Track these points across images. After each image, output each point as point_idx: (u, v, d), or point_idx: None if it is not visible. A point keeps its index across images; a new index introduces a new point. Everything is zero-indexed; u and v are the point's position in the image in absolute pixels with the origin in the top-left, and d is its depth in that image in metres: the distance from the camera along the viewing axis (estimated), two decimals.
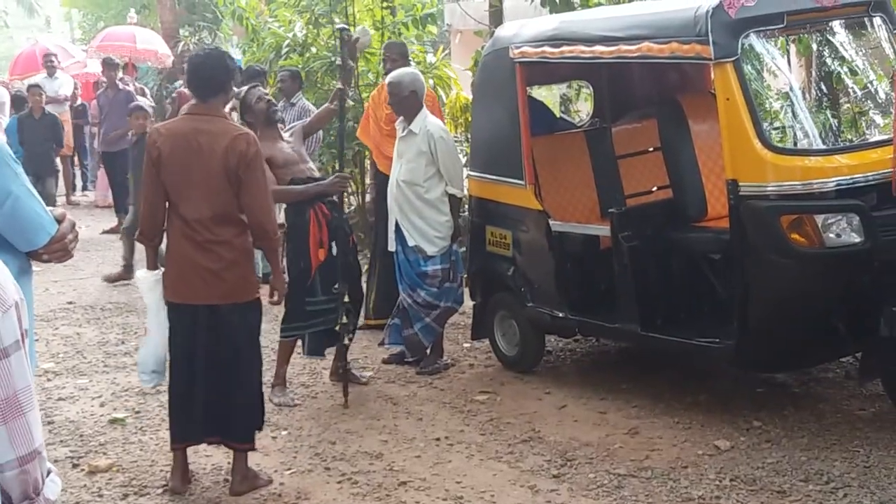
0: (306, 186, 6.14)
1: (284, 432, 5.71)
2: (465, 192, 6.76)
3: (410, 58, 8.36)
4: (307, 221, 6.09)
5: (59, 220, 3.18)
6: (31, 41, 20.08)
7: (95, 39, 17.45)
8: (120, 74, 13.77)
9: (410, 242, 6.52)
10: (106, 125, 12.57)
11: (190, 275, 4.84)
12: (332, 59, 10.62)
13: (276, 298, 5.31)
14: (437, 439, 5.49)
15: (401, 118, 6.62)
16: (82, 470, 5.31)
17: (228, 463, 5.27)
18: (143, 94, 13.36)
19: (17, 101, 14.10)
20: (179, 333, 4.94)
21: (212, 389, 4.92)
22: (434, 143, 6.42)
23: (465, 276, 6.77)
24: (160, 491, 5.03)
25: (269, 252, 5.14)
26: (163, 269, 4.99)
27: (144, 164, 4.99)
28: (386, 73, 7.41)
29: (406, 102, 6.51)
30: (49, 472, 1.93)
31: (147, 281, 5.02)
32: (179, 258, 4.89)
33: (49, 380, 6.74)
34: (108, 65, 13.32)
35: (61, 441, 5.69)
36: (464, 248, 7.10)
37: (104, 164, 13.17)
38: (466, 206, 7.32)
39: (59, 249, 3.18)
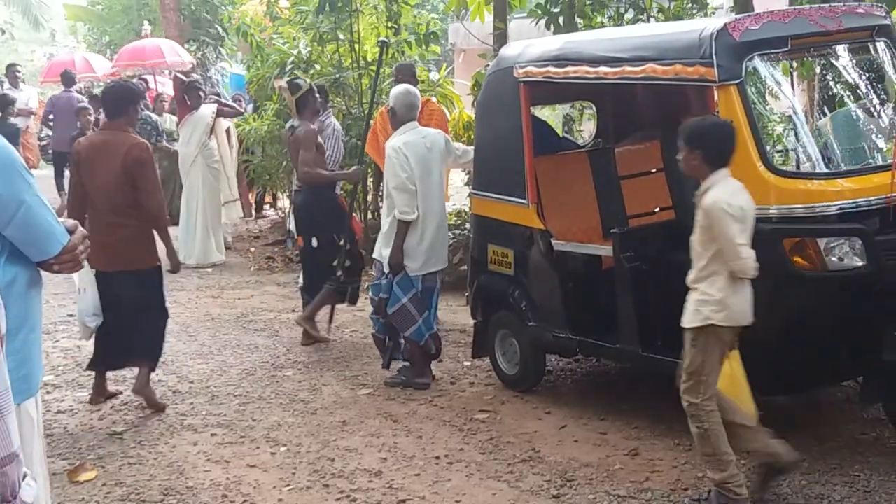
0: (334, 173, 8.06)
1: (283, 448, 5.70)
2: (407, 217, 6.50)
3: (417, 76, 8.47)
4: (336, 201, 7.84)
5: (71, 231, 3.19)
6: (68, 51, 21.01)
7: (121, 59, 17.68)
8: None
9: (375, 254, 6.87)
10: (57, 126, 14.37)
11: (98, 250, 5.67)
12: (337, 75, 10.68)
13: (171, 270, 6.71)
14: (437, 457, 5.48)
15: None
16: (76, 482, 5.30)
17: (227, 479, 5.27)
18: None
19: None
20: (102, 293, 6.31)
21: (123, 330, 6.35)
22: (386, 158, 6.61)
23: (390, 313, 6.66)
24: None
25: (160, 231, 6.47)
26: None
27: (70, 166, 6.57)
28: None
29: (389, 115, 6.88)
30: (25, 476, 1.93)
31: None
32: (92, 238, 5.52)
33: (48, 392, 6.73)
34: (65, 76, 15.61)
35: (59, 454, 5.67)
36: (464, 266, 7.12)
37: (55, 163, 14.99)
38: (468, 224, 7.32)
39: (70, 260, 3.19)
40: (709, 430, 4.58)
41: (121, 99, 6.42)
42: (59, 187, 15.12)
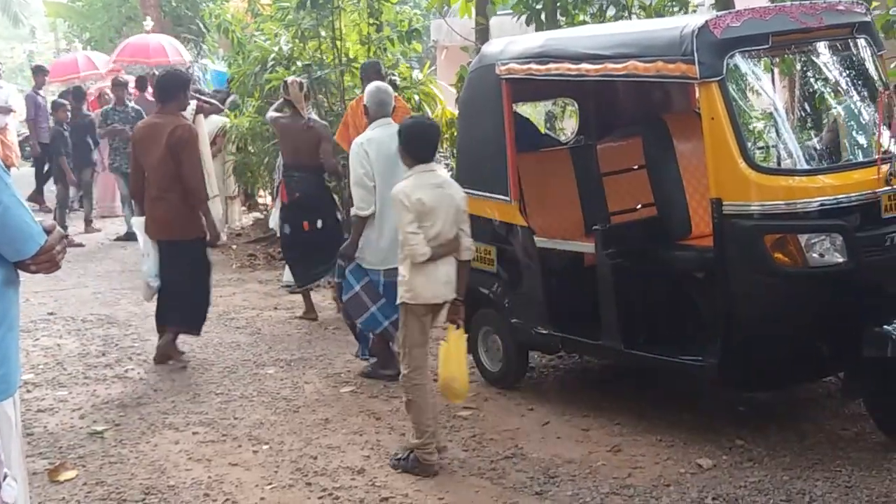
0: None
1: (266, 447, 5.68)
2: (361, 213, 6.52)
3: (384, 73, 8.58)
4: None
5: (49, 231, 3.17)
6: (73, 51, 21.58)
7: (124, 52, 17.70)
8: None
9: None
10: (42, 123, 15.10)
11: (151, 219, 7.20)
12: (319, 73, 10.65)
13: (210, 241, 7.34)
14: None
15: None
16: (56, 482, 5.26)
17: (209, 477, 5.25)
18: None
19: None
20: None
21: (174, 294, 7.20)
22: (350, 154, 6.72)
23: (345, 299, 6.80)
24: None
25: (198, 205, 7.14)
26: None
27: (131, 147, 7.73)
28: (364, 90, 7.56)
29: (364, 112, 6.94)
30: (6, 476, 1.92)
31: (138, 222, 7.47)
32: (147, 208, 7.23)
33: (28, 391, 6.69)
34: (38, 70, 16.24)
35: (40, 453, 5.64)
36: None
37: (39, 155, 15.56)
38: None
39: (47, 260, 3.17)
40: (412, 401, 5.22)
41: (173, 85, 7.23)
42: (40, 185, 15.32)
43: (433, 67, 12.75)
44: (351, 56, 10.99)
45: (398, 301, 5.31)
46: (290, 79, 8.74)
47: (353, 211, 6.60)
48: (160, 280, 7.23)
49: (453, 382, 5.29)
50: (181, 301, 7.23)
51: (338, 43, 10.85)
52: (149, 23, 18.72)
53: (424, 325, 5.25)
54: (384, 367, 6.78)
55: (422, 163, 5.22)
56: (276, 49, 11.34)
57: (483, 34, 9.55)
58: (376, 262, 6.58)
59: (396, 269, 6.59)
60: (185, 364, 7.32)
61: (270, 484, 5.17)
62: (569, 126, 11.05)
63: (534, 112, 11.46)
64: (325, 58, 11.08)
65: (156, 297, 7.39)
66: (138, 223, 7.46)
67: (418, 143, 5.25)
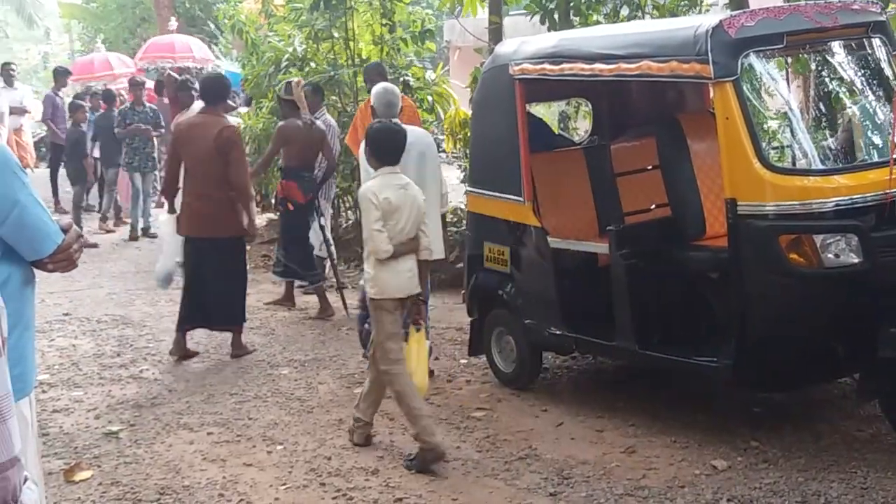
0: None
1: (280, 447, 5.69)
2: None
3: (387, 75, 8.64)
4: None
5: (65, 230, 3.19)
6: (95, 52, 21.88)
7: (149, 51, 17.87)
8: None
9: None
10: (60, 124, 15.15)
11: (191, 217, 7.36)
12: (332, 73, 10.67)
13: (248, 238, 7.62)
14: None
15: None
16: (72, 482, 5.28)
17: (223, 478, 5.27)
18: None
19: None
20: (190, 256, 7.40)
21: (214, 292, 7.37)
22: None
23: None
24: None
25: (244, 202, 7.34)
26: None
27: (169, 144, 8.14)
28: (369, 91, 7.61)
29: (371, 114, 6.90)
30: (26, 480, 1.91)
31: (164, 219, 7.81)
32: (187, 205, 7.41)
33: (44, 391, 6.71)
34: (60, 72, 16.27)
35: (55, 453, 5.66)
36: (460, 264, 7.14)
37: (54, 157, 15.75)
38: (465, 222, 7.33)
39: (64, 259, 3.19)
40: (398, 391, 5.35)
41: (219, 87, 7.65)
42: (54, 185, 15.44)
43: (446, 68, 12.73)
44: (364, 57, 11.01)
45: (367, 298, 5.49)
46: (294, 79, 8.91)
47: None
48: (190, 281, 7.41)
49: (413, 378, 5.42)
50: (222, 299, 7.42)
51: (351, 44, 10.87)
52: (173, 23, 18.81)
53: (396, 318, 5.40)
54: None
55: (388, 165, 5.42)
56: (289, 50, 11.37)
57: (496, 34, 9.54)
58: None
59: None
60: (252, 351, 7.64)
61: (285, 484, 5.18)
62: (582, 126, 11.03)
63: (547, 112, 11.44)
64: (338, 59, 11.10)
65: (182, 297, 7.53)
66: (170, 221, 7.63)
67: (385, 147, 5.45)
